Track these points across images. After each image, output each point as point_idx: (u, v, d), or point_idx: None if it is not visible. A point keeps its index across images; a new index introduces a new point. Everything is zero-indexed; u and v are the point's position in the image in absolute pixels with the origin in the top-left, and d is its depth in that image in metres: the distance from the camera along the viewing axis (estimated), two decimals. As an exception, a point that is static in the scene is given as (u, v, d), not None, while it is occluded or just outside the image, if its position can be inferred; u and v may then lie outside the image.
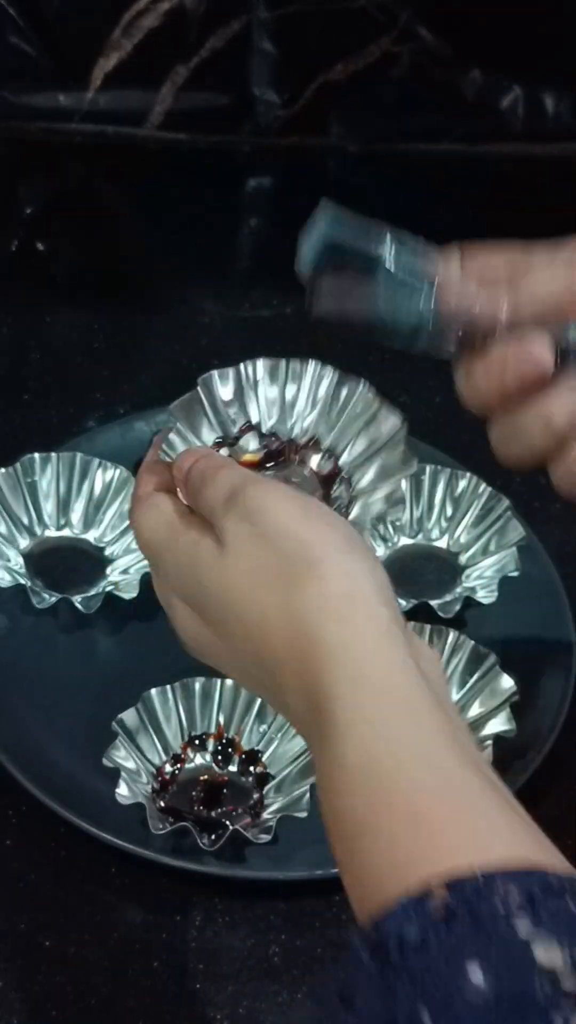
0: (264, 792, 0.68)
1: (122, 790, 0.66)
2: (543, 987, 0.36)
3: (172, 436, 0.57)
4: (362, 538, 0.51)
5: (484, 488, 0.80)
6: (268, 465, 0.58)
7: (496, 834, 0.43)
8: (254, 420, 0.59)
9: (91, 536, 0.78)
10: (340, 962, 0.39)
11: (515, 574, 0.76)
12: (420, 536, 0.80)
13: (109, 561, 0.77)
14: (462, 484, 0.80)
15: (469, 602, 0.76)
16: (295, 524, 0.49)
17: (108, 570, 0.77)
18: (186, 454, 0.55)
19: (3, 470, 0.77)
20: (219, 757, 0.70)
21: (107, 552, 0.78)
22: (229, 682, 0.70)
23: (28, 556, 0.77)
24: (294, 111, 1.07)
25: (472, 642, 0.72)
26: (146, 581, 0.73)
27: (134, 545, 0.73)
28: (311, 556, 0.48)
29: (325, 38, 1.04)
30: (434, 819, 0.43)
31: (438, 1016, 0.36)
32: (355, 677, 0.46)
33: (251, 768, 0.69)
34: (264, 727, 0.70)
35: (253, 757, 0.70)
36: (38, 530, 0.78)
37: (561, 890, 0.39)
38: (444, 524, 0.80)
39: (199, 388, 0.58)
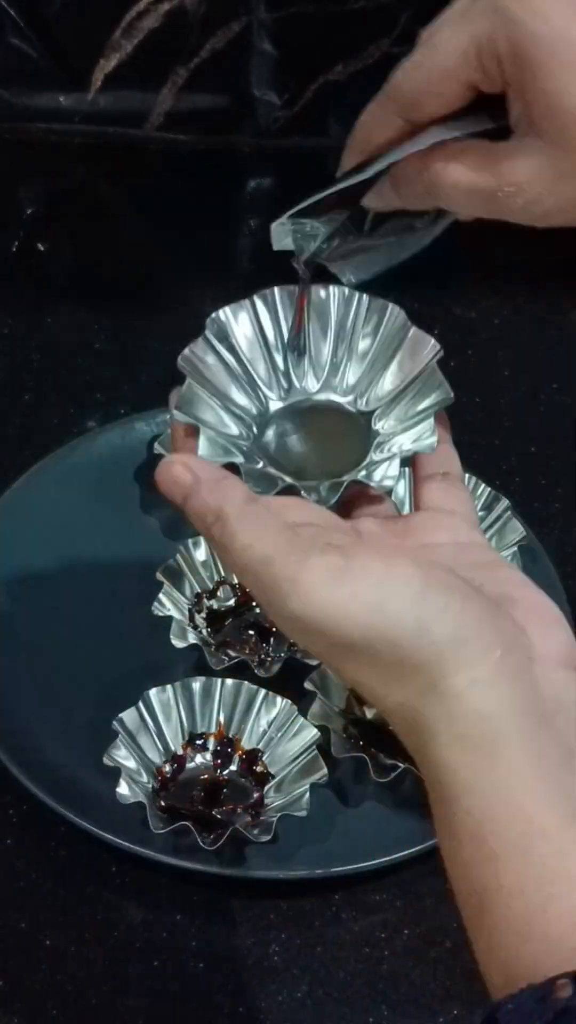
0: (264, 791, 0.68)
1: (122, 789, 0.66)
2: None
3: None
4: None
5: (484, 488, 0.80)
6: None
7: None
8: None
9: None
10: None
11: (515, 574, 0.76)
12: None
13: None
14: (462, 484, 0.80)
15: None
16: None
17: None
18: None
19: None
20: (219, 756, 0.70)
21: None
22: (229, 681, 0.70)
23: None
24: (294, 112, 1.07)
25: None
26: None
27: None
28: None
29: (325, 39, 1.04)
30: (564, 906, 0.40)
31: None
32: (463, 739, 0.43)
33: (251, 767, 0.70)
34: (264, 726, 0.70)
35: (253, 756, 0.70)
36: None
37: None
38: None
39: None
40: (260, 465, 0.52)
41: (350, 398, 0.55)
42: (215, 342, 0.53)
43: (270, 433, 0.54)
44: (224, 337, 0.54)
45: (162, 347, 0.92)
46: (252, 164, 1.09)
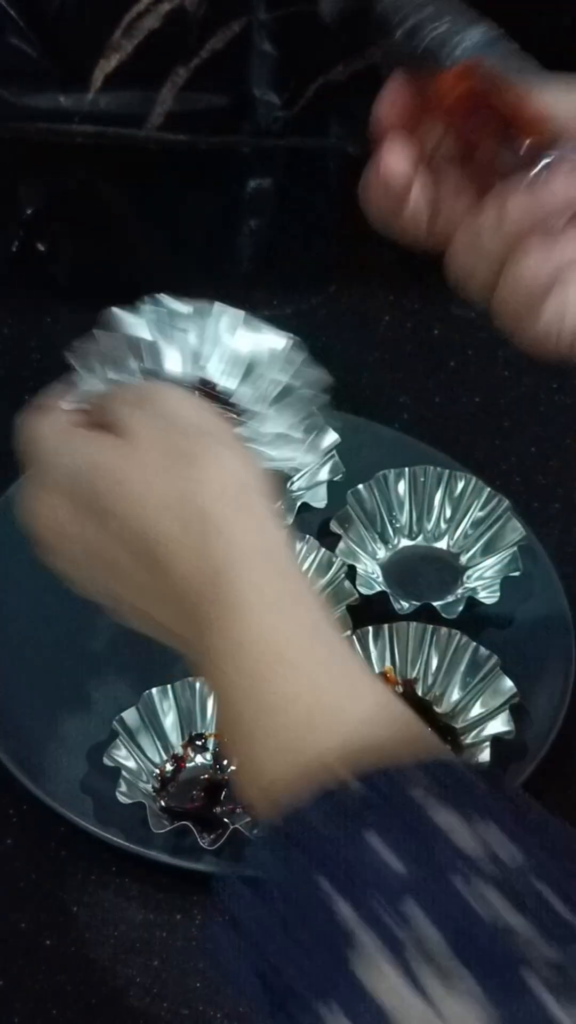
0: (264, 792, 0.68)
1: (123, 789, 0.66)
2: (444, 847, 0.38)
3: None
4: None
5: (484, 489, 0.80)
6: None
7: (385, 709, 0.45)
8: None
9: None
10: (252, 848, 0.41)
11: (516, 574, 0.76)
12: (420, 537, 0.80)
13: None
14: (461, 485, 0.80)
15: (471, 603, 0.76)
16: (198, 416, 0.52)
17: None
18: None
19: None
20: (220, 756, 0.70)
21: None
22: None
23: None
24: (294, 112, 1.07)
25: (474, 644, 0.72)
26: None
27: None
28: (211, 443, 0.50)
29: (325, 39, 1.04)
30: (332, 697, 0.45)
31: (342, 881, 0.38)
32: (252, 559, 0.48)
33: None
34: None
35: (253, 757, 0.70)
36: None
37: (463, 772, 0.41)
38: (444, 525, 0.80)
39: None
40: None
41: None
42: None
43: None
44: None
45: (162, 347, 0.92)
46: (252, 164, 1.09)
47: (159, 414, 0.51)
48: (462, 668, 0.72)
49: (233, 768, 0.47)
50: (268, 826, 0.41)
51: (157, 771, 0.69)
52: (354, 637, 0.72)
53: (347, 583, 0.75)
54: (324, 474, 0.79)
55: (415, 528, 0.80)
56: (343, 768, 0.41)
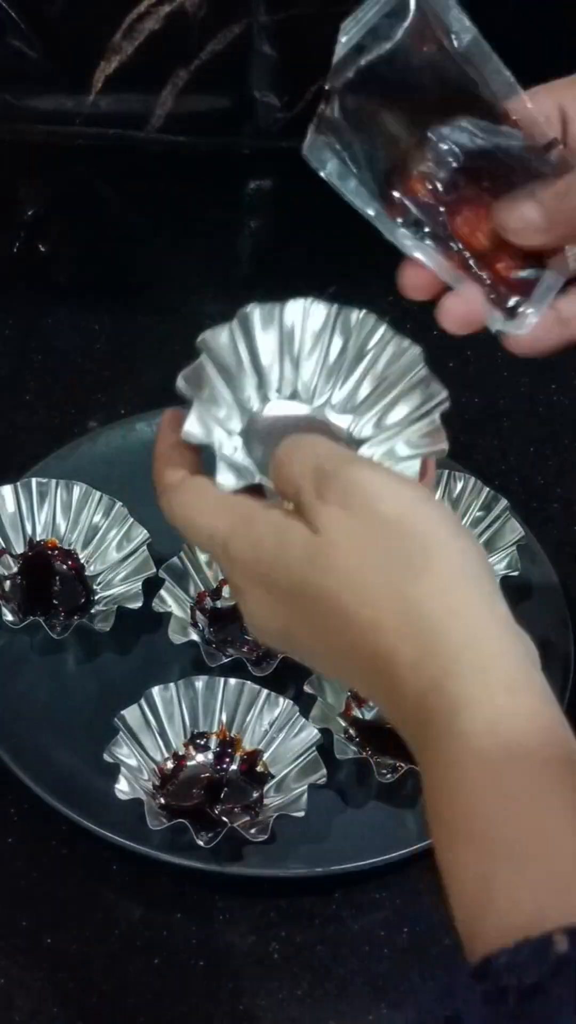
0: (264, 791, 0.69)
1: (121, 785, 0.66)
2: None
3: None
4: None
5: (483, 489, 0.80)
6: None
7: None
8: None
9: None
10: (446, 984, 0.39)
11: (515, 574, 0.77)
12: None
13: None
14: (460, 485, 0.80)
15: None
16: (401, 509, 0.46)
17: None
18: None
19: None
20: (220, 756, 0.70)
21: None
22: (232, 681, 0.71)
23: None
24: (294, 114, 1.08)
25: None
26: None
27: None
28: (424, 545, 0.45)
29: (325, 41, 1.04)
30: (561, 855, 0.40)
31: None
32: (483, 674, 0.44)
33: (252, 767, 0.70)
34: (266, 726, 0.70)
35: (254, 756, 0.70)
36: None
37: None
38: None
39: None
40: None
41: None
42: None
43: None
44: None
45: (162, 347, 0.92)
46: (252, 166, 1.09)
47: (353, 508, 0.46)
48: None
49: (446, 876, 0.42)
50: (477, 977, 0.38)
51: (157, 769, 0.69)
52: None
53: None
54: None
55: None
56: (562, 935, 0.37)
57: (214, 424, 0.52)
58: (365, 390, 0.55)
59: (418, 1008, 0.39)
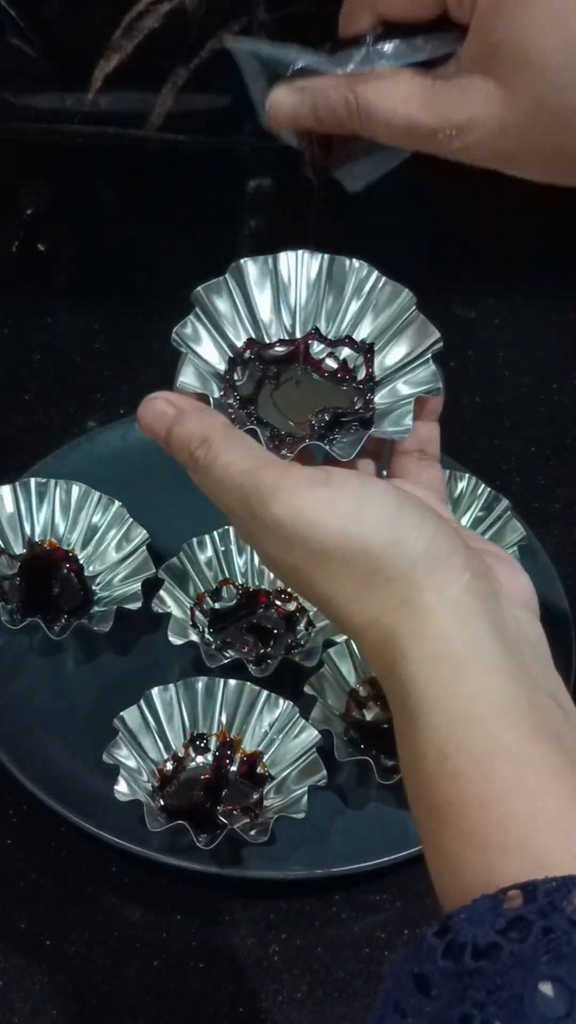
0: (264, 792, 0.68)
1: (121, 787, 0.66)
2: None
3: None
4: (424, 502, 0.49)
5: (483, 489, 0.80)
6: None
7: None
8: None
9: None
10: (414, 946, 0.40)
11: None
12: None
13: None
14: (461, 485, 0.80)
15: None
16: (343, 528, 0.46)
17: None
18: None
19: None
20: (220, 757, 0.70)
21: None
22: (232, 682, 0.71)
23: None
24: (294, 112, 1.07)
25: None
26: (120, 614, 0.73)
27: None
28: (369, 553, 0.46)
29: (325, 40, 1.04)
30: (521, 820, 0.42)
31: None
32: (434, 658, 0.45)
33: (252, 769, 0.70)
34: (266, 728, 0.70)
35: (254, 758, 0.70)
36: None
37: None
38: (444, 524, 0.80)
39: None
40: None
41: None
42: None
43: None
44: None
45: (162, 347, 0.92)
46: (252, 164, 1.09)
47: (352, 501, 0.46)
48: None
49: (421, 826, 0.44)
50: (440, 936, 0.39)
51: (157, 770, 0.69)
52: (351, 641, 0.72)
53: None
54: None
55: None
56: (517, 893, 0.39)
57: (209, 376, 0.53)
58: (363, 333, 0.56)
59: (391, 969, 0.40)
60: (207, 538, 0.76)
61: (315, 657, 0.72)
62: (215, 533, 0.76)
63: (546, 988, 0.37)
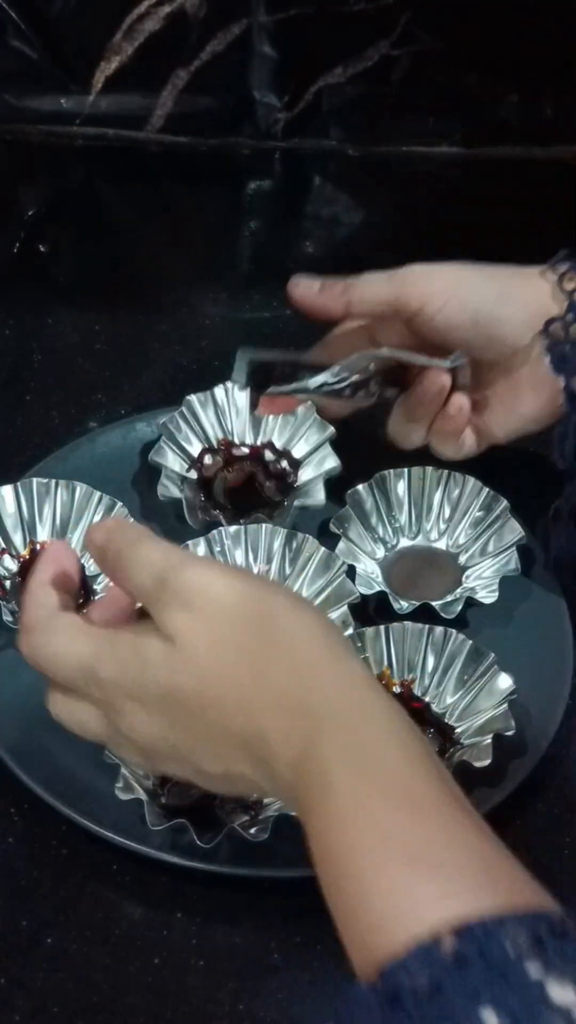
0: (264, 791, 0.69)
1: (120, 785, 0.66)
2: None
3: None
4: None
5: (483, 489, 0.80)
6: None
7: (496, 878, 0.44)
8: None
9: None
10: (341, 1008, 0.41)
11: (515, 574, 0.77)
12: (420, 537, 0.81)
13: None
14: (460, 485, 0.80)
15: (470, 602, 0.76)
16: (234, 598, 0.51)
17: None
18: (95, 529, 0.56)
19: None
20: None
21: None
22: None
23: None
24: (294, 114, 1.08)
25: (471, 642, 0.72)
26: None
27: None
28: (263, 624, 0.51)
29: (325, 41, 1.04)
30: (435, 867, 0.44)
31: None
32: (344, 727, 0.49)
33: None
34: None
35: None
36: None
37: (565, 931, 0.40)
38: (443, 525, 0.81)
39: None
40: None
41: None
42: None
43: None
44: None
45: (162, 347, 0.93)
46: (252, 166, 1.09)
47: (196, 608, 0.51)
48: (460, 667, 0.72)
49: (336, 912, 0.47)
50: (375, 990, 0.41)
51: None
52: (355, 636, 0.72)
53: (347, 583, 0.75)
54: (322, 468, 0.80)
55: (414, 528, 0.81)
56: (450, 936, 0.41)
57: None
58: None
59: None
60: (201, 539, 0.76)
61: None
62: (212, 534, 0.76)
63: (490, 1019, 0.38)
